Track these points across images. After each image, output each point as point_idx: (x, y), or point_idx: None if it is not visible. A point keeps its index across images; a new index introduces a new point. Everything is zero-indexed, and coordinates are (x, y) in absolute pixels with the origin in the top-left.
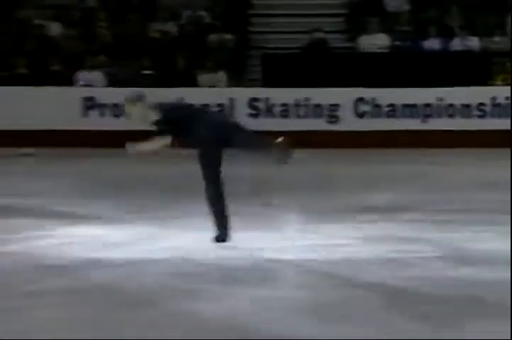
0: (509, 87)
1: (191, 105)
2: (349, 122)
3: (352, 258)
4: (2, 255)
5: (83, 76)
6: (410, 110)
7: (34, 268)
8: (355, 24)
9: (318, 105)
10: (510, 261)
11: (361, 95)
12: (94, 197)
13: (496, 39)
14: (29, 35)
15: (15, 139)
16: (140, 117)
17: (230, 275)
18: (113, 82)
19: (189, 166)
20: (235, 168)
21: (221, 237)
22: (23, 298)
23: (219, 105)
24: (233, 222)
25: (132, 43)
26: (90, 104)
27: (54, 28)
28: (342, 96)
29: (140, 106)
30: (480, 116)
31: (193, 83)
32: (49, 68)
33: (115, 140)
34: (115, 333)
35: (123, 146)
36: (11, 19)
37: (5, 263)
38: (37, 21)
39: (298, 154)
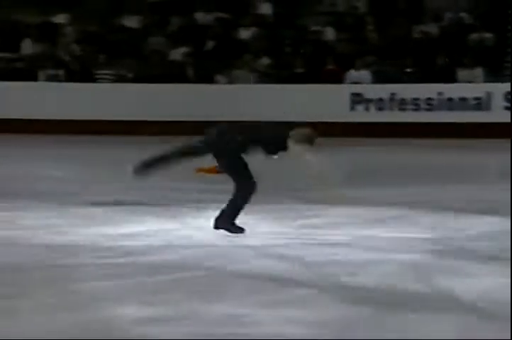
0: None
1: None
2: None
3: None
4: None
5: (352, 74)
6: None
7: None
8: None
9: None
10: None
11: None
12: (358, 182)
13: None
14: (307, 40)
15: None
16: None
17: (482, 255)
18: (379, 79)
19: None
20: None
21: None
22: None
23: (476, 98)
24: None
25: (397, 44)
26: (358, 99)
27: (329, 33)
28: None
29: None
30: None
31: (452, 78)
32: (324, 68)
33: (379, 131)
34: None
35: (385, 136)
36: (292, 26)
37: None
38: (314, 27)
39: None
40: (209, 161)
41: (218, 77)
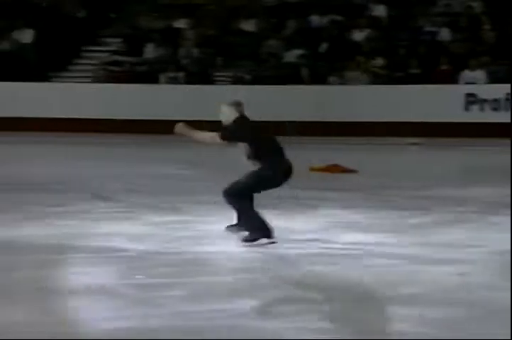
0: None
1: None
2: None
3: None
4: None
5: (466, 74)
6: None
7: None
8: None
9: None
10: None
11: None
12: (470, 182)
13: None
14: (421, 41)
15: (403, 130)
16: (223, 117)
17: None
18: (494, 79)
19: None
20: None
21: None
22: None
23: None
24: None
25: None
26: (472, 99)
27: (444, 34)
28: None
29: (230, 110)
30: None
31: None
32: (438, 68)
33: (493, 131)
34: None
35: (500, 136)
36: (406, 27)
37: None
38: (428, 28)
39: None
40: (320, 160)
41: (332, 78)
